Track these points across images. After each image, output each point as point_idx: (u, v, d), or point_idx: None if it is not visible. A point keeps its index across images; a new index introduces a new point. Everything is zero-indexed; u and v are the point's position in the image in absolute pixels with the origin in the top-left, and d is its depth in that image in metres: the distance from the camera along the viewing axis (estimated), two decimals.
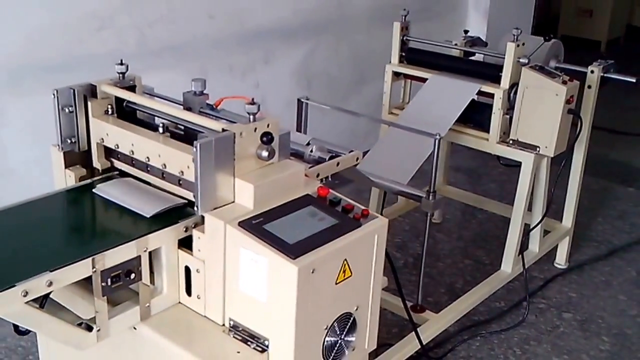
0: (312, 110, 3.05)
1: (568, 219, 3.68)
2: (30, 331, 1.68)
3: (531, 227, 3.40)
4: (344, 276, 1.76)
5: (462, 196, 4.12)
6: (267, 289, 1.68)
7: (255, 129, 1.79)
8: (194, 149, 1.68)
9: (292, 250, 1.63)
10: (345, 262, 1.75)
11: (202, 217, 1.77)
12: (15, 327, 1.68)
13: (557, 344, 3.15)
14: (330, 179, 2.14)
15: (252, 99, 1.82)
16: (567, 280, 3.66)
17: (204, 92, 2.07)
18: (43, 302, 1.68)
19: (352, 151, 2.21)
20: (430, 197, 2.68)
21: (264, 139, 1.78)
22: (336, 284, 1.74)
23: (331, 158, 2.15)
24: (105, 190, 1.97)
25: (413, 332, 2.66)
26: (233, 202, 1.80)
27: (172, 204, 1.88)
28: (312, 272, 1.64)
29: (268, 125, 1.83)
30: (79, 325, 1.72)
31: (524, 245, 3.35)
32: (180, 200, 1.90)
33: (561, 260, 3.76)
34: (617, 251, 3.97)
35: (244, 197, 1.79)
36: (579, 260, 3.84)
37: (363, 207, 1.85)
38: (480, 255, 3.85)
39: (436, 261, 3.79)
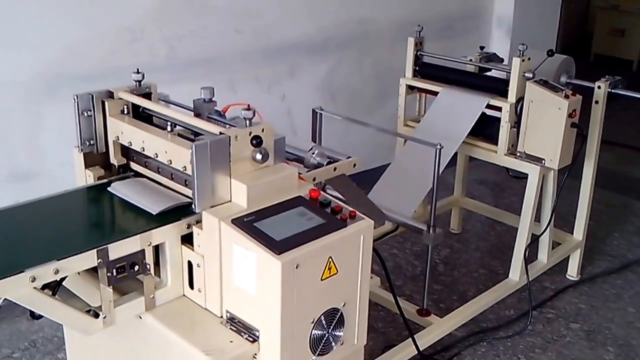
0: (337, 123, 3.21)
1: (579, 231, 3.76)
2: (42, 316, 1.85)
3: (537, 237, 3.49)
4: (330, 273, 1.88)
5: (480, 208, 4.22)
6: (257, 282, 1.82)
7: (250, 133, 1.95)
8: (191, 150, 1.84)
9: (278, 247, 1.77)
10: (330, 259, 1.87)
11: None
12: (31, 312, 1.84)
13: (562, 352, 3.23)
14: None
15: (248, 105, 1.97)
16: (578, 291, 3.73)
17: (213, 99, 2.23)
18: (56, 289, 1.86)
19: (349, 157, 2.34)
20: (431, 230, 2.82)
21: (254, 141, 1.93)
22: (321, 280, 1.86)
23: (329, 163, 2.29)
24: (119, 188, 2.14)
25: (416, 334, 2.79)
26: (229, 201, 1.95)
27: (177, 202, 2.04)
28: (297, 267, 1.78)
29: (263, 130, 1.98)
30: (87, 312, 1.88)
31: (532, 255, 3.45)
32: (185, 199, 2.05)
33: (573, 272, 3.84)
34: (631, 265, 4.02)
35: (239, 197, 1.94)
36: (592, 273, 3.91)
37: (351, 209, 1.98)
38: (495, 265, 3.95)
39: (451, 270, 3.91)
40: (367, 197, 2.60)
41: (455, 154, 3.37)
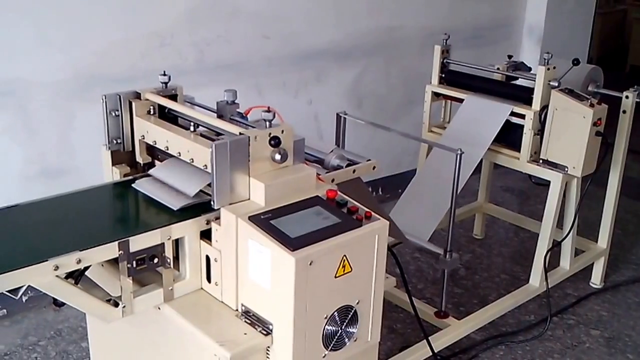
0: (363, 128, 3.26)
1: (603, 239, 3.77)
2: (65, 303, 1.92)
3: (559, 242, 3.51)
4: (344, 271, 1.92)
5: (504, 214, 4.24)
6: (271, 277, 1.87)
7: (270, 134, 2.00)
8: (211, 149, 1.90)
9: (292, 243, 1.82)
10: (344, 257, 1.91)
11: None
12: (54, 299, 1.92)
13: (580, 358, 3.24)
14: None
15: (269, 108, 2.03)
16: (601, 299, 3.74)
17: (235, 101, 2.30)
18: (78, 278, 1.93)
19: (369, 160, 2.39)
20: (447, 256, 2.87)
21: (272, 142, 1.99)
22: (335, 277, 1.91)
23: (348, 166, 2.34)
24: (143, 184, 2.22)
25: (432, 335, 2.82)
26: (248, 199, 2.01)
27: (198, 199, 2.10)
28: (310, 264, 1.82)
29: (282, 132, 2.03)
30: (108, 301, 1.95)
31: (555, 262, 3.46)
32: (206, 196, 2.12)
33: (596, 279, 3.85)
34: None
35: (257, 195, 1.99)
36: (616, 281, 3.92)
37: (367, 209, 2.02)
38: (517, 271, 3.97)
39: (473, 274, 3.93)
40: (377, 203, 2.64)
41: (481, 160, 3.40)
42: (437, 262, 2.94)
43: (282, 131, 2.03)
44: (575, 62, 3.23)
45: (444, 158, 3.21)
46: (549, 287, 3.40)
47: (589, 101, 3.14)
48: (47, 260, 1.74)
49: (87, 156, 3.43)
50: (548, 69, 3.18)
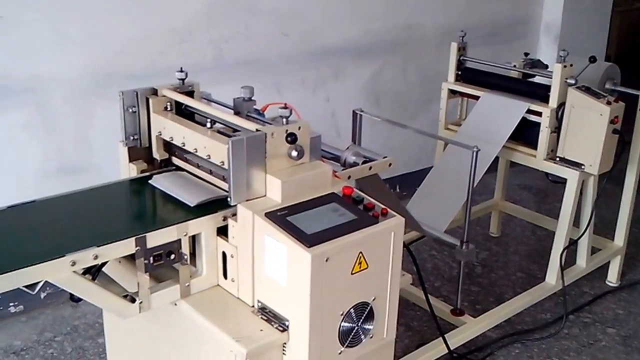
0: (381, 126, 3.25)
1: (620, 237, 3.75)
2: (81, 299, 1.93)
3: (575, 241, 3.50)
4: (360, 268, 1.93)
5: (520, 212, 4.23)
6: (287, 274, 1.88)
7: (286, 130, 2.01)
8: (227, 146, 1.91)
9: (308, 240, 1.83)
10: (360, 254, 1.92)
11: None
12: (71, 295, 1.93)
13: (596, 356, 3.23)
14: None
15: (285, 104, 2.03)
16: (617, 297, 3.72)
17: (252, 98, 2.31)
18: (96, 274, 1.95)
19: (385, 157, 2.39)
20: (464, 246, 2.86)
21: (289, 138, 1.99)
22: (352, 274, 1.91)
23: (365, 162, 2.35)
24: (159, 181, 2.23)
25: (448, 333, 2.82)
26: (264, 195, 2.02)
27: (214, 195, 2.11)
28: (326, 260, 1.83)
29: (299, 128, 2.04)
30: (125, 297, 1.96)
31: (572, 260, 3.45)
32: (223, 192, 2.13)
33: (613, 278, 3.84)
34: None
35: (273, 192, 2.00)
36: (633, 280, 3.90)
37: (383, 206, 2.02)
38: (534, 269, 3.96)
39: (490, 272, 3.93)
40: (397, 199, 2.65)
41: (497, 158, 3.39)
42: (454, 251, 2.92)
43: (299, 128, 2.04)
44: (592, 59, 3.21)
45: (459, 154, 3.20)
46: (565, 285, 3.39)
47: (606, 99, 3.13)
48: (64, 256, 1.75)
49: (104, 153, 3.45)
50: (565, 66, 3.16)
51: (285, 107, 2.03)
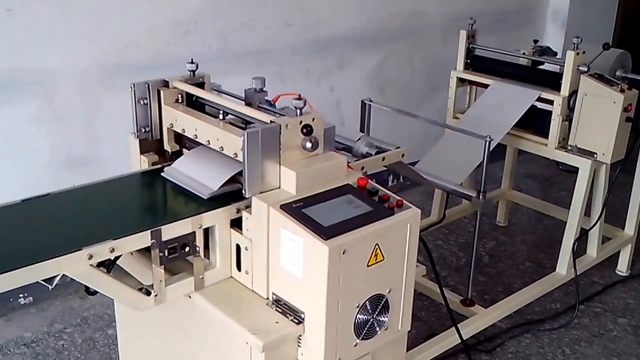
0: (385, 115, 3.22)
1: (630, 227, 3.74)
2: (97, 292, 1.92)
3: (586, 231, 3.48)
4: (376, 260, 1.91)
5: (528, 201, 4.22)
6: (303, 266, 1.86)
7: (301, 122, 1.99)
8: (242, 137, 1.89)
9: (325, 232, 1.81)
10: (377, 246, 1.90)
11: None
12: (86, 288, 1.92)
13: (608, 346, 3.22)
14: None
15: (299, 95, 2.01)
16: (627, 287, 3.71)
17: (263, 89, 2.28)
18: (110, 267, 1.93)
19: (398, 147, 2.37)
20: (480, 196, 2.82)
21: (304, 130, 1.97)
22: (368, 266, 1.90)
23: (377, 153, 2.33)
24: (172, 173, 2.21)
25: (459, 324, 2.81)
26: (279, 187, 2.00)
27: (228, 188, 2.09)
28: (343, 252, 1.81)
29: (313, 119, 2.02)
30: (140, 290, 1.95)
31: (581, 250, 3.43)
32: (236, 185, 2.11)
33: (623, 267, 3.83)
34: None
35: (288, 184, 1.98)
36: None
37: (398, 198, 2.01)
38: (542, 258, 3.94)
39: (497, 262, 3.91)
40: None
41: (504, 147, 3.37)
42: (471, 202, 2.88)
43: (313, 119, 2.02)
44: (606, 46, 3.19)
45: (459, 140, 3.17)
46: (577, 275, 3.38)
47: (619, 86, 3.11)
48: (81, 250, 1.74)
49: (112, 145, 3.44)
50: (577, 53, 3.14)
51: (299, 99, 2.01)
